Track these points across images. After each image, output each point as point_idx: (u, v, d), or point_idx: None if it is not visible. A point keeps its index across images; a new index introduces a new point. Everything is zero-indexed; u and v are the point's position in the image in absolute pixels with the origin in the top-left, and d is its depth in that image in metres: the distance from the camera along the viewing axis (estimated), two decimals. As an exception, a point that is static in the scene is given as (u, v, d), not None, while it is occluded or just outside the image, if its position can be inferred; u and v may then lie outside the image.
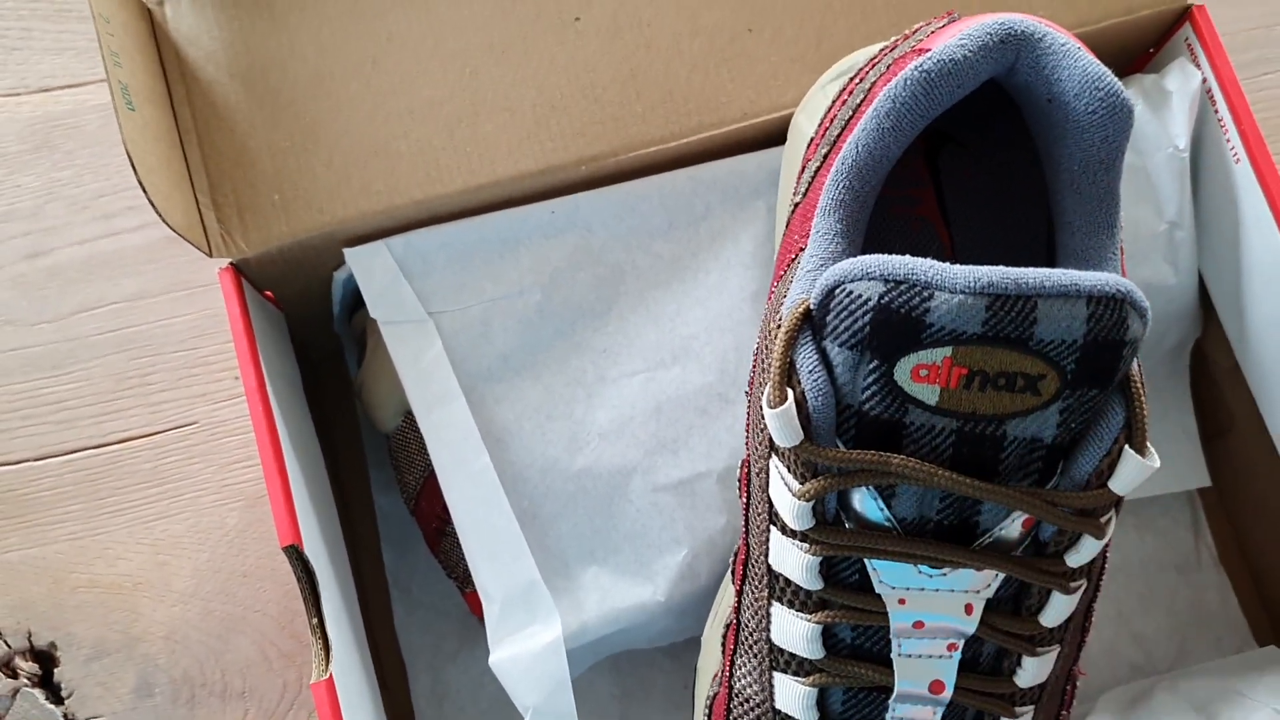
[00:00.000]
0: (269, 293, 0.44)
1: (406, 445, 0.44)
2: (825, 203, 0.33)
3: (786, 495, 0.32)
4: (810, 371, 0.30)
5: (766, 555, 0.34)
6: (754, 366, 0.36)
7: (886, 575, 0.32)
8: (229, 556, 0.50)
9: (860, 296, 0.29)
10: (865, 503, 0.31)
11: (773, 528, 0.33)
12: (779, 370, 0.31)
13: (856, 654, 0.33)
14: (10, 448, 0.52)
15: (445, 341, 0.42)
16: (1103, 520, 0.30)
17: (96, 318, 0.53)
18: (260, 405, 0.39)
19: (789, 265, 0.35)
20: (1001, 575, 0.31)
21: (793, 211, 0.37)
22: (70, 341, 0.53)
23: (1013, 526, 0.30)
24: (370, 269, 0.42)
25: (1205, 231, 0.45)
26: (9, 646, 0.50)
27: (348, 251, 0.42)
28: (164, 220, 0.37)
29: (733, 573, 0.37)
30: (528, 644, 0.38)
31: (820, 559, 0.32)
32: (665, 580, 0.41)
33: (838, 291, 0.29)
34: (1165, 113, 0.44)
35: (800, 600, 0.33)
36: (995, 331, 0.28)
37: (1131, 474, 0.29)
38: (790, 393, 0.30)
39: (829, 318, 0.30)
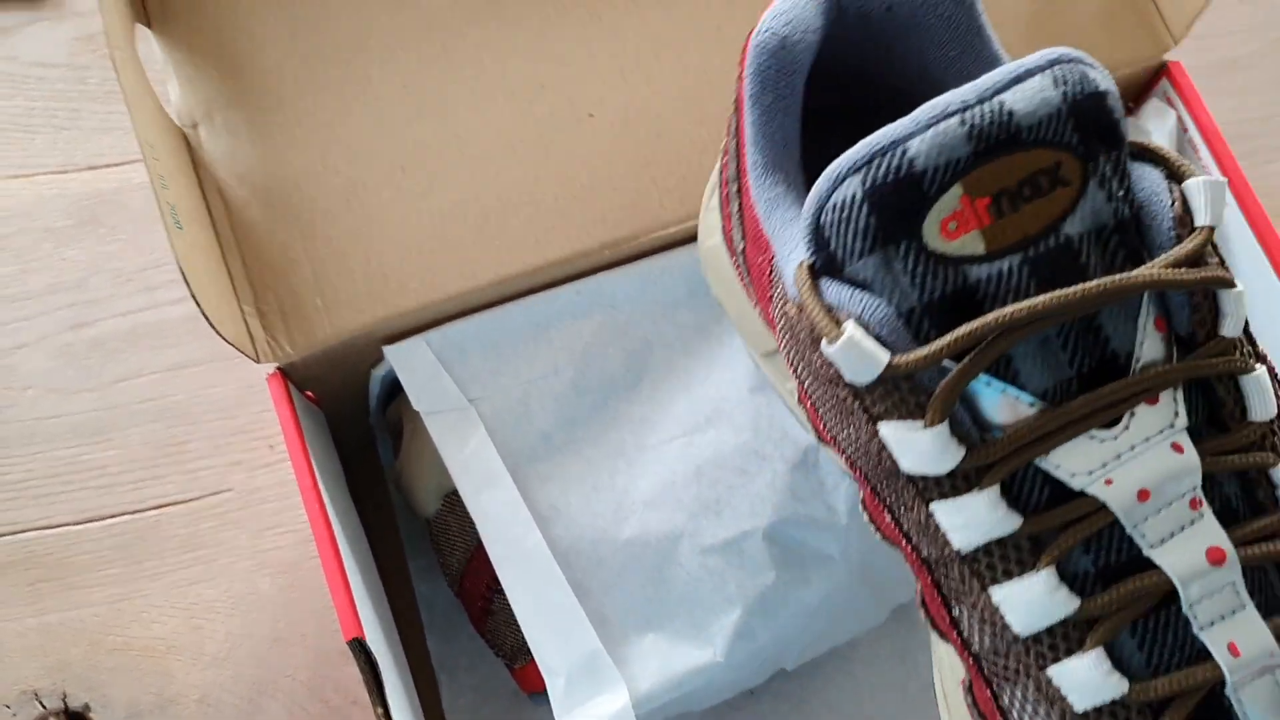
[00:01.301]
0: (310, 392, 0.44)
1: (447, 528, 0.44)
2: (763, 207, 0.31)
3: (915, 440, 0.26)
4: (851, 298, 0.27)
5: (949, 545, 0.27)
6: (810, 409, 0.31)
7: (1071, 464, 0.26)
8: (261, 621, 0.51)
9: (846, 201, 0.26)
10: (995, 399, 0.26)
11: (932, 504, 0.27)
12: (821, 313, 0.27)
13: (1109, 576, 0.27)
14: (51, 512, 0.52)
15: (487, 425, 0.42)
16: (1215, 261, 0.26)
17: (137, 387, 0.53)
18: (316, 504, 0.39)
19: (769, 281, 0.31)
20: (1179, 394, 0.26)
21: (743, 249, 0.34)
22: (111, 409, 0.53)
23: (1150, 338, 0.26)
24: (410, 363, 0.42)
25: None
26: (44, 707, 0.49)
27: (387, 349, 0.42)
28: (217, 332, 0.38)
29: (935, 628, 0.31)
30: (596, 712, 0.39)
31: (997, 488, 0.26)
32: (723, 641, 0.41)
33: (823, 218, 0.26)
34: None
35: (1013, 559, 0.27)
36: (986, 143, 0.25)
37: (1206, 196, 0.26)
38: (846, 322, 0.26)
39: (833, 246, 0.27)
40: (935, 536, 0.27)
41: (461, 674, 0.49)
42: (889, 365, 0.26)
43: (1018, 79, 0.25)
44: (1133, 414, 0.26)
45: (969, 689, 0.30)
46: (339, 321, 0.42)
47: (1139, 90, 0.47)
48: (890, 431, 0.27)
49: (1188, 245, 0.26)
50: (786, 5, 0.30)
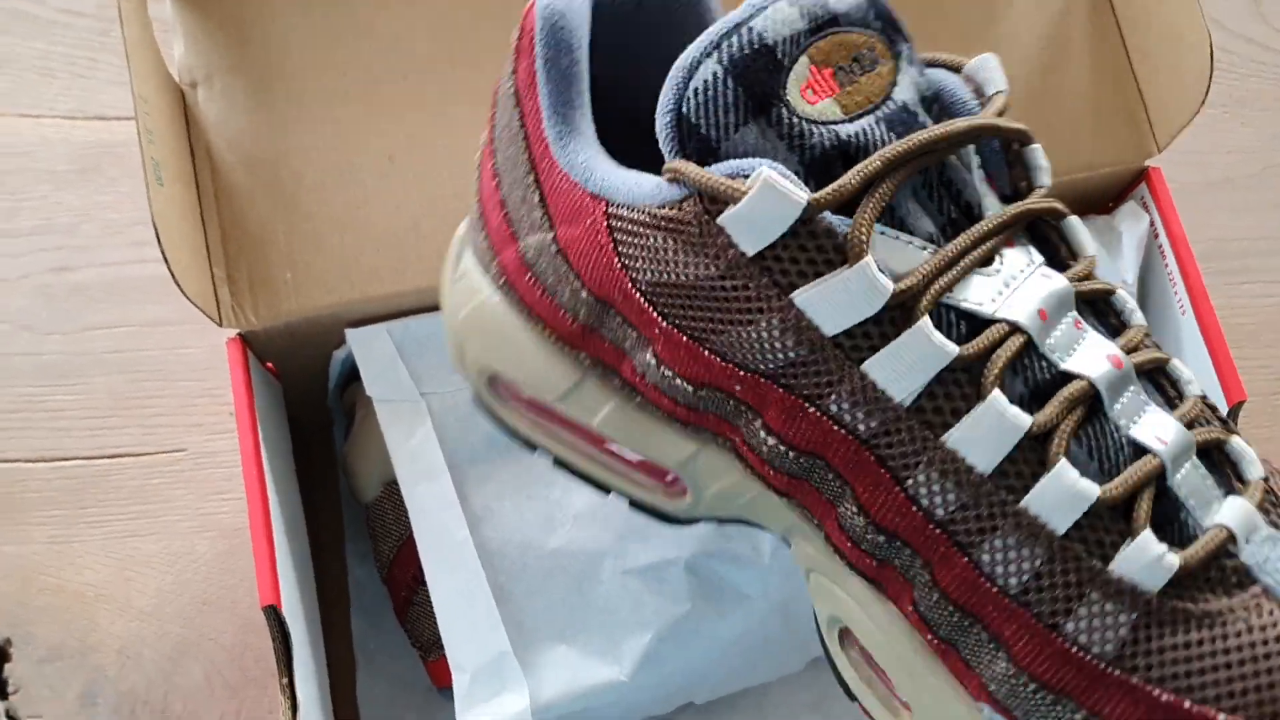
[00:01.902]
0: (270, 364, 0.45)
1: (383, 515, 0.45)
2: (580, 171, 0.30)
3: (840, 287, 0.26)
4: (743, 167, 0.27)
5: (890, 403, 0.27)
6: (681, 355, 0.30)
7: (974, 295, 0.27)
8: (193, 582, 0.51)
9: (709, 82, 0.27)
10: (892, 245, 0.27)
11: (865, 364, 0.27)
12: (723, 182, 0.27)
13: (1042, 393, 0.27)
14: (5, 447, 0.52)
15: (435, 420, 0.43)
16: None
17: (109, 337, 0.54)
18: (254, 470, 0.39)
19: (608, 236, 0.30)
20: (1026, 236, 0.28)
21: (553, 240, 0.32)
22: (80, 355, 0.53)
23: (987, 193, 0.28)
24: (370, 349, 0.43)
25: None
26: (-33, 635, 0.50)
27: (350, 332, 0.43)
28: (180, 289, 0.38)
29: (854, 564, 0.30)
30: (495, 713, 0.39)
31: (928, 319, 0.27)
32: (631, 662, 0.41)
33: (686, 107, 0.27)
34: (1115, 250, 0.46)
35: (957, 395, 0.27)
36: (814, 22, 0.27)
37: (990, 69, 0.30)
38: (755, 172, 0.26)
39: (705, 129, 0.27)
40: (874, 400, 0.27)
41: (381, 661, 0.49)
42: (809, 205, 0.26)
43: None
44: (1000, 255, 0.28)
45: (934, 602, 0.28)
46: (305, 298, 0.42)
47: (1119, 191, 0.47)
48: (809, 295, 0.27)
49: (994, 105, 0.29)
50: None
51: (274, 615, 0.38)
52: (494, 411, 0.36)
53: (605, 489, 0.36)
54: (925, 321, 0.27)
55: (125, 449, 0.52)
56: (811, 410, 0.28)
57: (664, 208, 0.28)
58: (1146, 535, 0.26)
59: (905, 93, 0.28)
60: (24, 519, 0.51)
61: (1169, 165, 0.57)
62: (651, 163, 0.30)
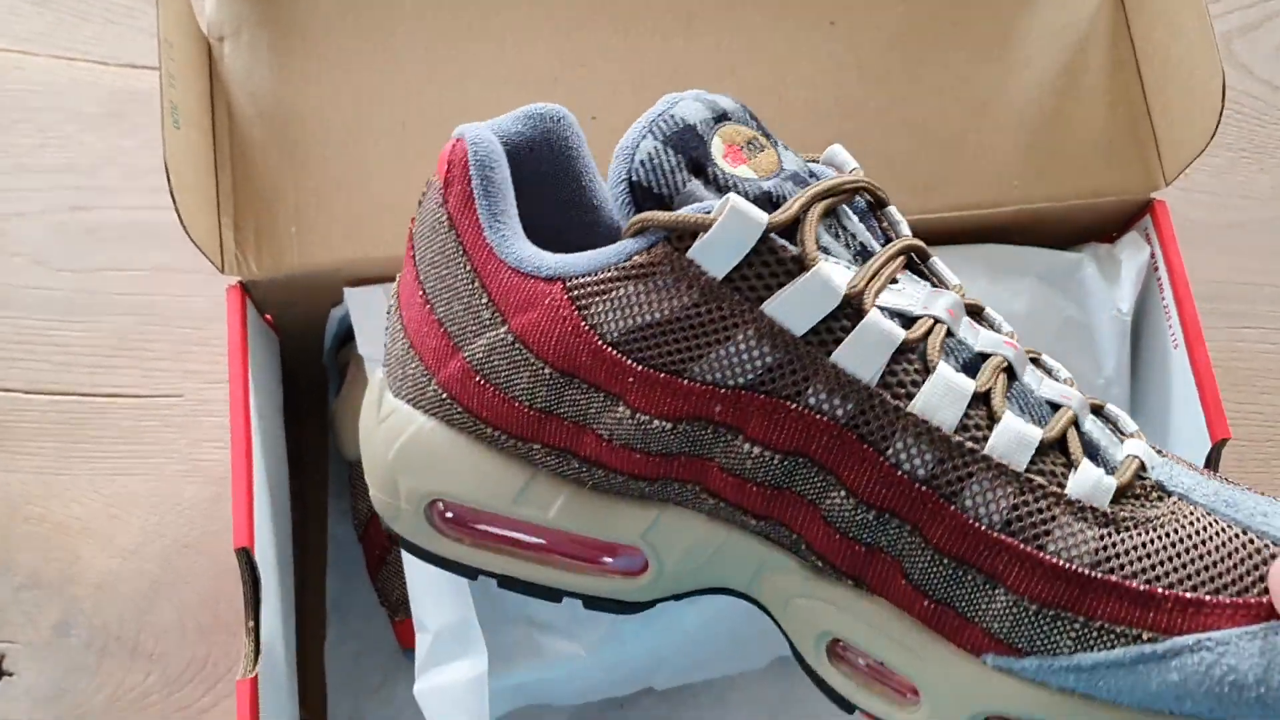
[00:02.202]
0: (269, 316, 0.45)
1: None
2: (530, 264, 0.33)
3: (804, 290, 0.30)
4: (700, 209, 0.31)
5: (858, 383, 0.31)
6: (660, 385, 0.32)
7: (901, 301, 0.32)
8: (176, 525, 0.51)
9: (651, 154, 0.31)
10: (828, 263, 0.31)
11: (834, 355, 0.31)
12: (690, 215, 0.30)
13: (972, 367, 0.32)
14: (5, 375, 0.53)
15: None
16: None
17: (119, 278, 0.54)
18: (241, 414, 0.40)
19: (571, 308, 0.32)
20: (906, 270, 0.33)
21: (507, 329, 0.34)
22: (88, 294, 0.54)
23: (870, 237, 0.33)
24: (365, 309, 0.43)
25: (1136, 405, 0.47)
26: (-49, 556, 0.50)
27: (348, 291, 0.43)
28: (186, 230, 0.39)
29: (842, 569, 0.32)
30: (453, 676, 0.39)
31: (877, 309, 0.31)
32: (591, 637, 0.42)
33: (636, 176, 0.31)
34: (1114, 279, 0.46)
35: (914, 368, 0.31)
36: (715, 114, 0.32)
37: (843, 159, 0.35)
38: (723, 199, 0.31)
39: (657, 189, 0.31)
40: (846, 385, 0.31)
41: (352, 620, 0.49)
42: (768, 224, 0.30)
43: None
44: (898, 277, 0.32)
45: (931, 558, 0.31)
46: (307, 253, 0.43)
47: (1123, 221, 0.47)
48: (777, 304, 0.30)
49: (858, 176, 0.33)
50: (473, 127, 0.35)
51: (245, 558, 0.39)
52: (430, 550, 0.36)
53: (557, 597, 0.36)
54: (875, 312, 0.31)
55: (123, 389, 0.53)
56: (793, 407, 0.31)
57: (630, 260, 0.31)
58: (1086, 464, 0.31)
59: (792, 165, 0.33)
60: (16, 448, 0.52)
61: (1183, 203, 0.57)
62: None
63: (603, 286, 0.31)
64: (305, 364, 0.49)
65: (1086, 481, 0.31)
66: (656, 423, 0.32)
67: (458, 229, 0.33)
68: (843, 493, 0.31)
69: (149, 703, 0.49)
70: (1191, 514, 0.31)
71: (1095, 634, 0.29)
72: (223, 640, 0.50)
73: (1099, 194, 0.46)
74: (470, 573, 0.36)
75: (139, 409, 0.53)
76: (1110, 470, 0.31)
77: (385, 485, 0.36)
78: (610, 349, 0.31)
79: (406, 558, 0.41)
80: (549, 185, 0.37)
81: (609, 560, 0.35)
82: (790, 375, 0.31)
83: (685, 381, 0.31)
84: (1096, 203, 0.46)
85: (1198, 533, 0.30)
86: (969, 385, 0.31)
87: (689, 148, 0.31)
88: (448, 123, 0.43)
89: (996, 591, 0.30)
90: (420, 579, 0.40)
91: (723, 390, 0.31)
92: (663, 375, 0.31)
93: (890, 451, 0.30)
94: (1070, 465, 0.31)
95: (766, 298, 0.30)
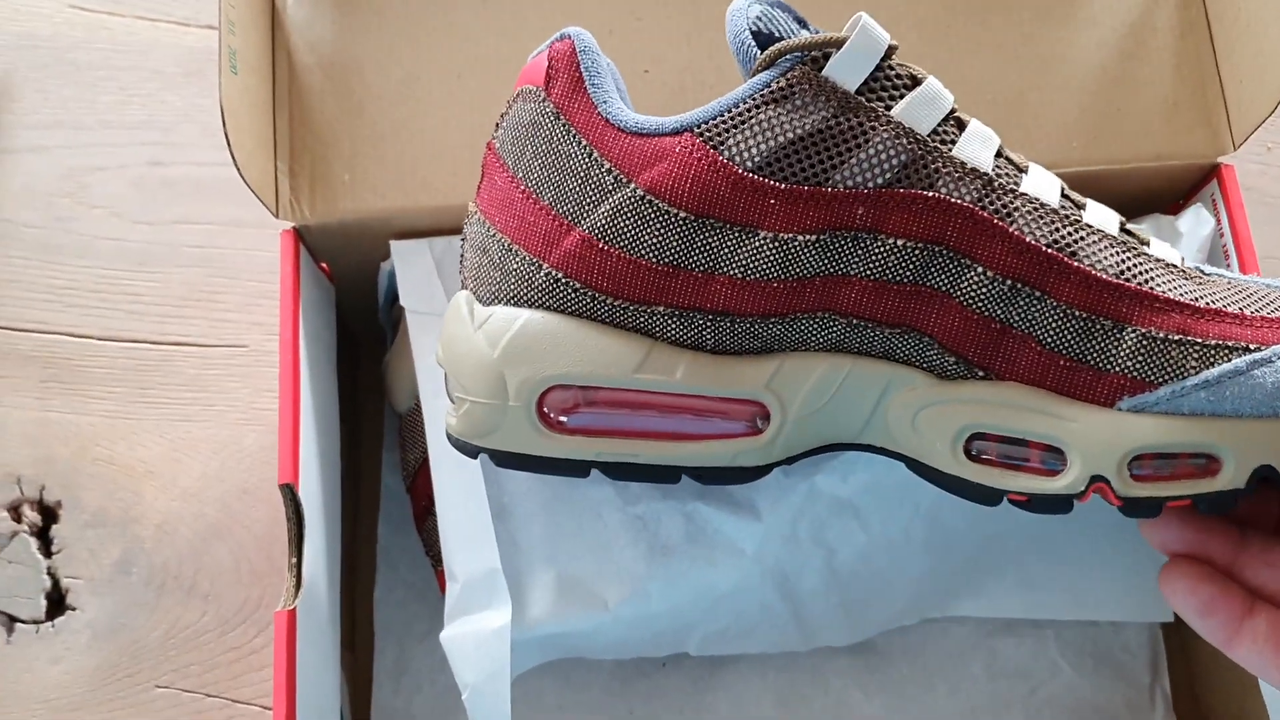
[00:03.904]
0: (325, 265, 0.46)
1: (414, 426, 0.45)
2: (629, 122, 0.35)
3: (926, 92, 0.34)
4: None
5: (979, 172, 0.34)
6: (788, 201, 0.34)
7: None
8: (236, 471, 0.52)
9: (764, 11, 0.34)
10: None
11: (955, 148, 0.34)
12: (819, 37, 0.34)
13: None
14: (81, 322, 0.54)
15: None
16: None
17: (191, 232, 0.55)
18: (290, 354, 0.40)
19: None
20: None
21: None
22: (162, 245, 0.55)
23: None
24: (410, 261, 0.43)
25: None
26: (22, 493, 0.52)
27: (394, 243, 0.44)
28: (241, 175, 0.39)
29: (973, 362, 0.35)
30: (477, 626, 0.39)
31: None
32: (616, 596, 0.41)
33: (755, 26, 0.34)
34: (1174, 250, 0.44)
35: (1009, 166, 0.35)
36: None
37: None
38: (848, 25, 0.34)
39: (776, 34, 0.34)
40: (969, 174, 0.34)
41: (400, 568, 0.50)
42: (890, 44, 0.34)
43: None
44: None
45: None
46: (360, 200, 0.43)
47: (1188, 188, 0.45)
48: (903, 109, 0.34)
49: None
50: (580, 29, 0.37)
51: (290, 494, 0.39)
52: (536, 454, 0.36)
53: (674, 475, 0.36)
54: (974, 121, 0.35)
55: (190, 338, 0.54)
56: (930, 195, 0.34)
57: (768, 87, 0.34)
58: (1153, 241, 0.36)
59: None
60: (88, 392, 0.53)
61: (1258, 177, 0.55)
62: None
63: (740, 118, 0.34)
64: (362, 317, 0.50)
65: (1158, 251, 0.35)
66: (800, 239, 0.34)
67: (565, 115, 0.35)
68: (978, 269, 0.34)
69: (203, 641, 0.50)
70: (1235, 278, 0.36)
71: (1213, 352, 0.33)
72: (276, 584, 0.50)
73: (1162, 158, 0.44)
74: (582, 468, 0.36)
75: (205, 358, 0.54)
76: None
77: (490, 388, 0.36)
78: (751, 175, 0.33)
79: (439, 508, 0.41)
80: None
81: (727, 423, 0.36)
82: (922, 169, 0.34)
83: (829, 189, 0.33)
84: (1159, 166, 0.44)
85: (1249, 283, 0.35)
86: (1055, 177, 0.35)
87: (789, 8, 0.35)
88: (501, 74, 0.44)
89: (1124, 333, 0.33)
90: (452, 530, 0.41)
91: (865, 191, 0.33)
92: (806, 188, 0.33)
93: (1014, 229, 0.34)
94: (1141, 241, 0.35)
95: (893, 105, 0.34)
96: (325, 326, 0.46)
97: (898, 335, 0.35)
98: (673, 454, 0.36)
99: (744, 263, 0.34)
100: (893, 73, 0.34)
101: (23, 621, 0.50)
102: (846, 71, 0.34)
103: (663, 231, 0.34)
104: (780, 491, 0.41)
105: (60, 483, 0.52)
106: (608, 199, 0.35)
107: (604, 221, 0.35)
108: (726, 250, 0.34)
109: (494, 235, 0.36)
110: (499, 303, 0.36)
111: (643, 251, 0.34)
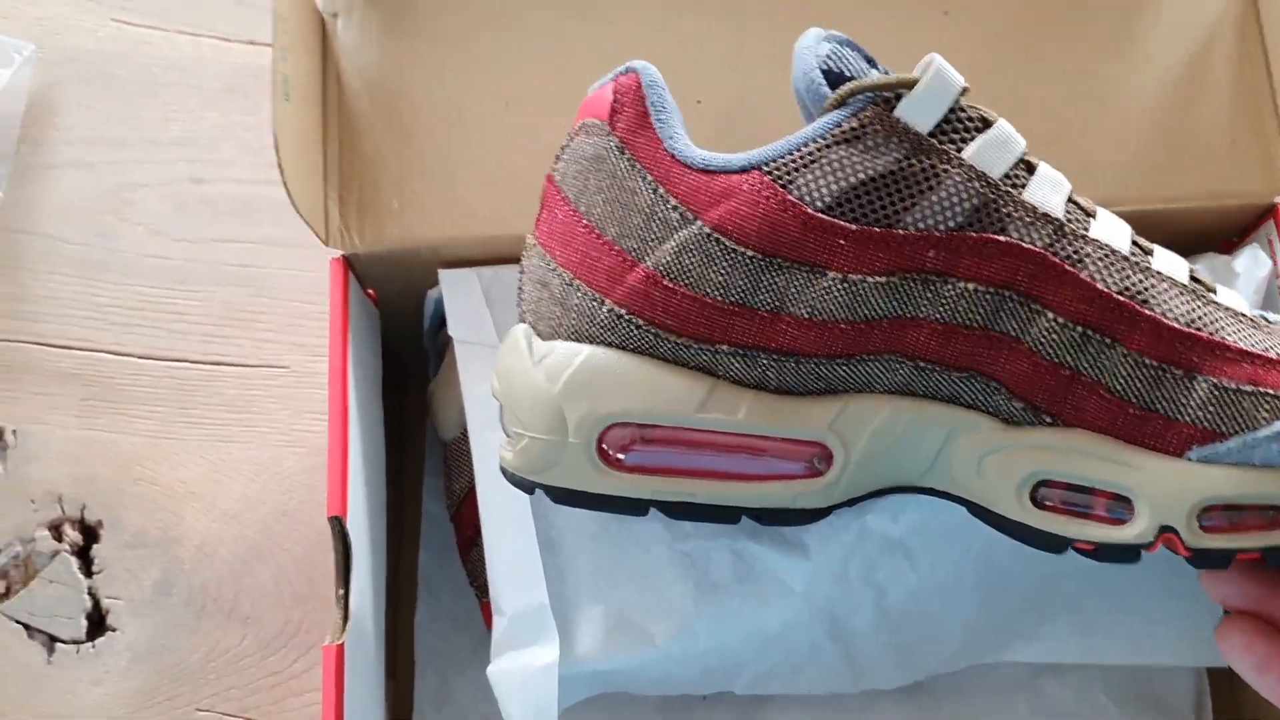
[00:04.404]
0: (372, 291, 0.45)
1: (459, 456, 0.45)
2: (689, 157, 0.35)
3: (995, 135, 0.34)
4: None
5: (1048, 215, 0.34)
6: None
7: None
8: (276, 493, 0.52)
9: (833, 49, 0.34)
10: None
11: (1024, 192, 0.34)
12: (892, 77, 0.34)
13: None
14: (124, 341, 0.54)
15: None
16: None
17: (232, 250, 0.55)
18: (339, 384, 0.40)
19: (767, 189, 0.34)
20: None
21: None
22: (203, 264, 0.55)
23: None
24: (459, 291, 0.43)
25: None
26: (63, 512, 0.52)
27: (442, 272, 0.43)
28: (293, 203, 0.39)
29: (1041, 408, 0.35)
30: (525, 661, 0.39)
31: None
32: (664, 633, 0.41)
33: (826, 65, 0.34)
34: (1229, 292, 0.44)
35: (1080, 208, 0.35)
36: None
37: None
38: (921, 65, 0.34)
39: (846, 72, 0.34)
40: (1040, 218, 0.34)
41: (443, 597, 0.49)
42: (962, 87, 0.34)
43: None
44: None
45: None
46: (408, 228, 0.43)
47: (1243, 227, 0.45)
48: (974, 151, 0.34)
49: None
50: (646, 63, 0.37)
51: (338, 526, 0.39)
52: (593, 492, 0.36)
53: (734, 516, 0.36)
54: (1044, 165, 0.35)
55: (232, 358, 0.54)
56: (1002, 239, 0.33)
57: (839, 127, 0.33)
58: (1220, 289, 0.36)
59: None
60: (130, 410, 0.53)
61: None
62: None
63: (810, 158, 0.33)
64: (407, 342, 0.49)
65: (1226, 299, 0.35)
66: (869, 280, 0.33)
67: (631, 150, 0.35)
68: (1049, 315, 0.33)
69: (243, 665, 0.50)
70: None
71: None
72: (316, 608, 0.50)
73: (1219, 196, 0.43)
74: (640, 507, 0.36)
75: (246, 379, 0.54)
76: None
77: (549, 424, 0.35)
78: (821, 215, 0.33)
79: (486, 541, 0.41)
80: None
81: (787, 464, 0.36)
82: (994, 213, 0.33)
83: (900, 231, 0.33)
84: (1216, 205, 0.43)
85: None
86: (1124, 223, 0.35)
87: (858, 47, 0.35)
88: (550, 103, 0.43)
89: (1195, 382, 0.33)
90: (499, 564, 0.40)
91: (936, 234, 0.33)
92: (877, 230, 0.33)
93: (1085, 275, 0.33)
94: (1208, 288, 0.35)
95: (964, 148, 0.34)
96: (371, 353, 0.46)
97: (965, 379, 0.34)
98: (733, 494, 0.36)
99: (811, 303, 0.34)
100: (964, 115, 0.34)
101: (63, 642, 0.50)
102: (919, 113, 0.33)
103: (729, 270, 0.34)
104: (830, 530, 0.41)
105: (101, 502, 0.52)
106: (673, 236, 0.34)
107: (669, 258, 0.34)
108: (794, 290, 0.34)
109: (555, 269, 0.36)
110: (559, 338, 0.36)
111: (708, 289, 0.34)
